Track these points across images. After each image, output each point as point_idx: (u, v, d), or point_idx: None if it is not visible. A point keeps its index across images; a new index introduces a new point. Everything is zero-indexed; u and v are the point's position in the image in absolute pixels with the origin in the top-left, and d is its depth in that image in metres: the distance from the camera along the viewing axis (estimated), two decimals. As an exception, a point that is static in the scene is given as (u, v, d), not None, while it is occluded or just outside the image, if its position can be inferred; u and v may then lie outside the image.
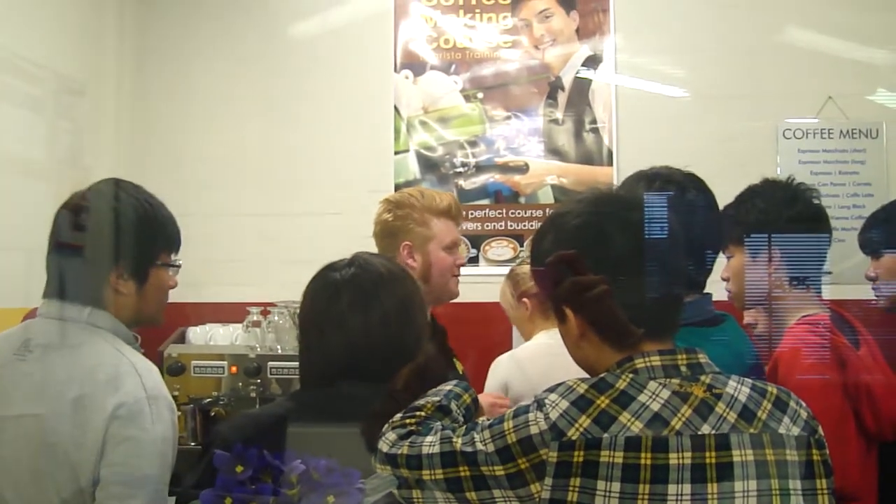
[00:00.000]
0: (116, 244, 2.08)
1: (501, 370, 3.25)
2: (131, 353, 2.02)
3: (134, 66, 5.15)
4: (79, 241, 2.07)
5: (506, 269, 4.63)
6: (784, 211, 2.52)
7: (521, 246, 4.78)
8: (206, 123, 5.06)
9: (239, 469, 1.00)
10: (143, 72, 5.14)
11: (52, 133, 4.52)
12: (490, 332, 4.21)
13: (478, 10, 4.92)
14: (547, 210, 4.77)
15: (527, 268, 3.46)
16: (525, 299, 3.38)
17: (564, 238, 1.66)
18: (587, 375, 1.64)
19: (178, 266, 2.21)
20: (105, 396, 1.89)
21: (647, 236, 1.66)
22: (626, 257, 1.62)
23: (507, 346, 3.79)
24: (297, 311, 2.13)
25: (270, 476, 1.01)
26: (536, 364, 3.18)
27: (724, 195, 2.47)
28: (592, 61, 4.86)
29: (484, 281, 4.66)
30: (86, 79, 4.76)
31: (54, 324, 2.01)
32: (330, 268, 2.01)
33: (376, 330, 1.91)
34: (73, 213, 2.09)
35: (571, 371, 1.69)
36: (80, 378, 1.92)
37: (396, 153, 4.90)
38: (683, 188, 2.17)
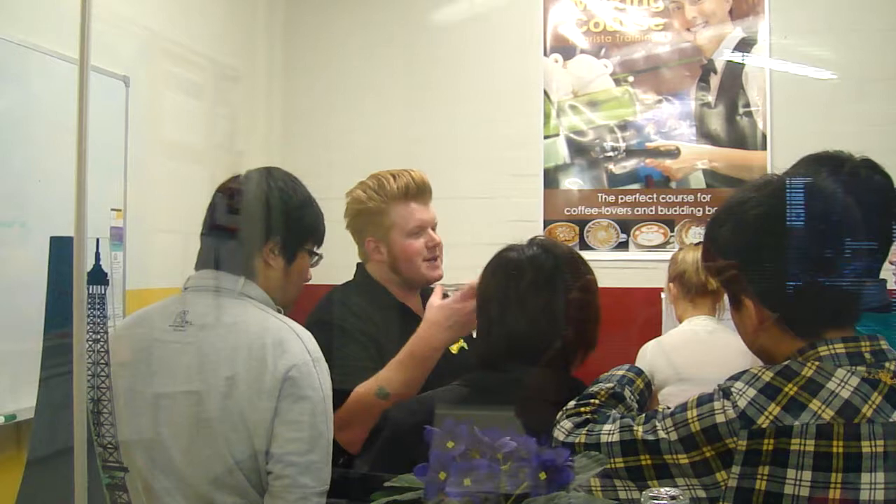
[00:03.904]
0: (273, 220, 2.15)
1: (648, 357, 3.27)
2: (286, 319, 2.09)
3: (283, 53, 5.27)
4: (237, 217, 2.14)
5: (655, 255, 4.62)
6: None
7: (672, 231, 4.72)
8: (353, 108, 5.15)
9: (450, 445, 1.02)
10: (291, 58, 5.26)
11: (210, 118, 4.66)
12: (639, 317, 4.19)
13: (628, -7, 4.87)
14: (699, 195, 4.71)
15: (681, 253, 3.46)
16: (670, 284, 3.41)
17: (745, 227, 1.64)
18: (739, 362, 1.63)
19: (321, 257, 2.28)
20: (276, 359, 1.95)
21: (828, 223, 1.63)
22: (808, 246, 1.60)
23: (655, 332, 3.76)
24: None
25: (479, 452, 1.03)
26: (681, 351, 3.21)
27: (886, 181, 2.39)
28: (746, 43, 4.74)
29: (633, 266, 4.64)
30: (239, 65, 4.90)
31: (209, 295, 2.08)
32: (509, 249, 2.02)
33: (557, 312, 1.92)
34: (234, 192, 2.16)
35: (718, 358, 1.67)
36: (247, 343, 1.98)
37: (546, 137, 4.88)
38: (860, 172, 2.11)
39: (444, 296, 2.52)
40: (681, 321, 3.35)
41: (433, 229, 2.73)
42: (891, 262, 2.50)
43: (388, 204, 2.67)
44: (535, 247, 2.01)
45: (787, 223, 1.61)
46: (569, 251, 2.08)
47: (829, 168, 2.11)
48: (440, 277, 2.72)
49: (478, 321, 2.07)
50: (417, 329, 2.37)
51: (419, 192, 2.71)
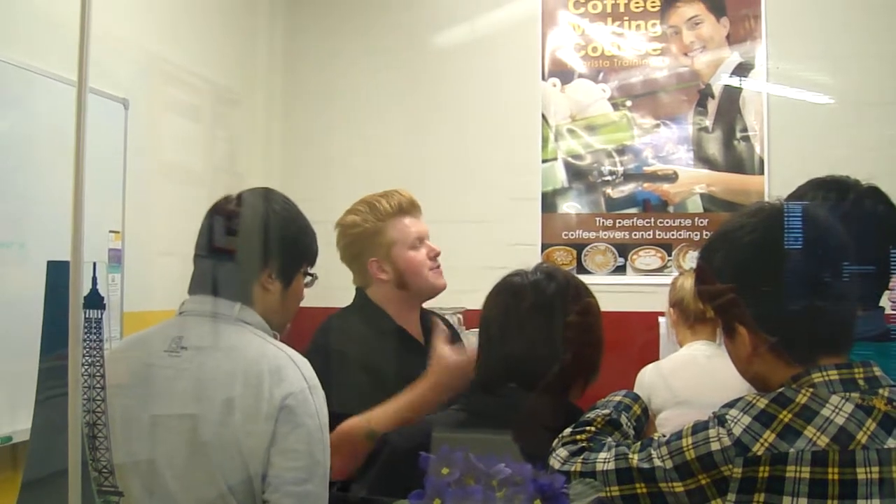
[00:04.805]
0: (271, 245, 2.13)
1: (645, 381, 3.27)
2: (283, 346, 2.07)
3: (283, 76, 5.29)
4: (233, 241, 2.11)
5: (653, 279, 4.63)
6: None
7: (670, 255, 4.72)
8: (353, 131, 5.16)
9: (445, 471, 1.02)
10: (292, 81, 5.28)
11: (210, 141, 4.67)
12: (637, 341, 4.17)
13: (626, 18, 4.89)
14: (697, 219, 4.72)
15: (680, 279, 3.47)
16: (671, 309, 3.43)
17: (739, 254, 1.64)
18: (737, 387, 1.63)
19: (316, 277, 2.26)
20: (272, 387, 1.93)
21: (823, 249, 1.63)
22: (802, 272, 1.60)
23: (654, 356, 3.76)
24: (459, 316, 2.17)
25: (474, 479, 1.03)
26: (680, 376, 3.21)
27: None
28: (743, 68, 4.77)
29: (631, 290, 4.64)
30: (239, 88, 4.91)
31: (205, 320, 2.05)
32: (514, 274, 2.03)
33: (556, 336, 1.92)
34: (228, 214, 2.13)
35: (716, 383, 1.66)
36: (243, 370, 1.96)
37: (544, 161, 4.90)
38: (864, 199, 2.11)
39: (448, 329, 2.52)
40: (681, 346, 3.36)
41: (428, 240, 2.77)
42: (889, 289, 2.49)
43: (385, 222, 2.69)
44: (539, 272, 2.01)
45: (782, 249, 1.60)
46: (571, 277, 2.09)
47: (835, 193, 2.11)
48: (445, 286, 2.74)
49: (478, 345, 2.07)
50: (421, 383, 2.34)
51: (411, 207, 2.75)
